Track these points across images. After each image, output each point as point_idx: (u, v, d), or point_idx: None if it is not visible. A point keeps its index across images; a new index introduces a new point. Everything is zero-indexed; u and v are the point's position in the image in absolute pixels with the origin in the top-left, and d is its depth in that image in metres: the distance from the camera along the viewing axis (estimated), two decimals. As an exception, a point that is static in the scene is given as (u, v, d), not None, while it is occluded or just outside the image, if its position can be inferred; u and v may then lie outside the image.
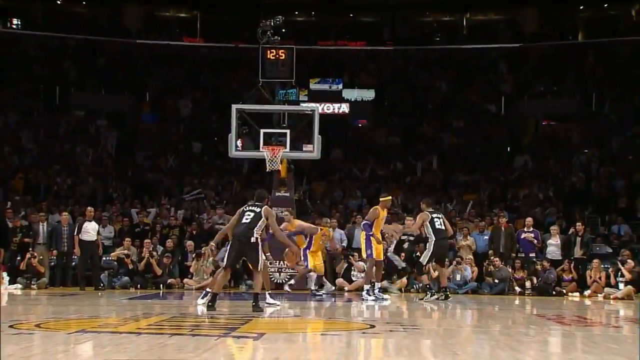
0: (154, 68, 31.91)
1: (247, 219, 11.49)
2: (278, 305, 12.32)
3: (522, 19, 34.54)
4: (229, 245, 11.99)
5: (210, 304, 11.57)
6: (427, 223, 14.43)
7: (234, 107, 16.65)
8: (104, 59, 31.75)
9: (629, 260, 17.46)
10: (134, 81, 30.67)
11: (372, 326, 9.68)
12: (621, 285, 16.96)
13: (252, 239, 11.37)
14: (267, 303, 12.21)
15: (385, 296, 14.81)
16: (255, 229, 11.40)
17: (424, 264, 14.79)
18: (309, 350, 7.72)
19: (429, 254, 14.54)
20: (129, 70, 31.21)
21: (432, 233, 14.43)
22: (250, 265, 12.08)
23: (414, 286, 17.64)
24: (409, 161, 26.79)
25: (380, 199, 14.64)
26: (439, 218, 14.61)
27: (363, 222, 14.73)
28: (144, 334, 8.44)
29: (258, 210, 11.54)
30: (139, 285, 17.53)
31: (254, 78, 18.69)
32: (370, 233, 14.30)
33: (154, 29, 34.13)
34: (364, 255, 14.65)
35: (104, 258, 18.13)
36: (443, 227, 14.52)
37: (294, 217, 15.60)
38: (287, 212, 15.90)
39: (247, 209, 11.68)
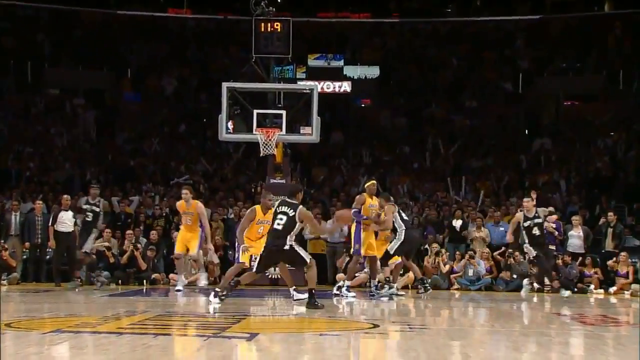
0: (136, 41, 31.83)
1: (279, 224, 11.58)
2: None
3: (542, -13, 34.40)
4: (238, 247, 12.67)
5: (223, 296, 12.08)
6: (396, 214, 14.81)
7: (225, 85, 16.62)
8: (80, 32, 31.65)
9: (659, 254, 17.54)
10: (114, 56, 30.59)
11: (376, 325, 9.71)
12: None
13: (286, 247, 11.50)
14: (296, 299, 12.43)
15: (352, 294, 14.68)
16: (289, 237, 11.55)
17: (392, 253, 14.88)
18: (306, 351, 7.73)
19: (399, 244, 14.79)
20: (109, 44, 31.11)
21: (401, 223, 14.84)
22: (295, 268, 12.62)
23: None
24: (417, 145, 26.78)
25: (365, 186, 14.92)
26: (402, 210, 15.21)
27: (353, 210, 14.59)
28: (126, 334, 8.45)
29: (292, 213, 11.58)
30: (120, 281, 17.55)
31: (247, 53, 18.66)
32: (362, 216, 14.34)
33: (136, -1, 34.01)
34: (351, 250, 14.73)
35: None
36: (408, 219, 15.07)
37: (193, 198, 15.33)
38: (187, 190, 15.28)
39: (280, 210, 11.72)
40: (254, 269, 12.10)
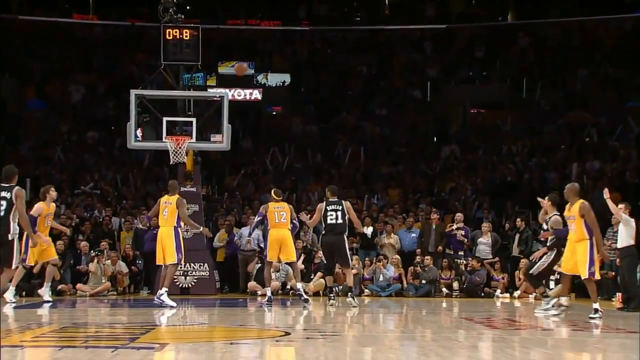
0: (40, 48, 31.09)
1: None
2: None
3: (449, -3, 35.10)
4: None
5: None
6: (322, 217, 14.25)
7: (133, 92, 16.41)
8: (-20, 37, 30.75)
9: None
10: (17, 62, 29.81)
11: (287, 333, 9.71)
12: (552, 284, 17.45)
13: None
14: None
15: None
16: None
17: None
18: (217, 361, 7.68)
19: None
20: (10, 50, 30.27)
21: (323, 228, 14.34)
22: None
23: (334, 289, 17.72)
24: (328, 152, 26.92)
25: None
26: (334, 211, 14.15)
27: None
28: (29, 347, 8.24)
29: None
30: (24, 293, 17.06)
31: (155, 60, 18.44)
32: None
33: (39, 4, 33.25)
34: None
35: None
36: (335, 222, 14.09)
37: None
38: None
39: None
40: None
